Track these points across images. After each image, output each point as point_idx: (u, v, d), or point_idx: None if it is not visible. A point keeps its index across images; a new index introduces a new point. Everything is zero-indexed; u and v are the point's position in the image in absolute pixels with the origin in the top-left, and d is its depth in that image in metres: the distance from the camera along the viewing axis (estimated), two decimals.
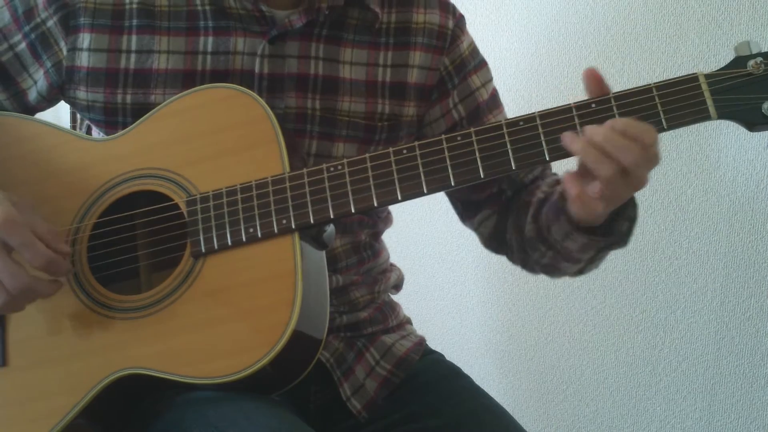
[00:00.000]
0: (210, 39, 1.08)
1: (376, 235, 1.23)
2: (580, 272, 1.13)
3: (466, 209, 1.23)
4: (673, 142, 1.73)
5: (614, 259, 1.82)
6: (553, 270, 1.15)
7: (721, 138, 1.69)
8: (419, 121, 1.18)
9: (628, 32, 1.76)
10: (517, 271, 1.94)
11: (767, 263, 1.68)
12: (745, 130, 1.57)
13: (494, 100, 1.22)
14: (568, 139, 0.91)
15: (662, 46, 1.72)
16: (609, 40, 1.78)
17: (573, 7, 1.82)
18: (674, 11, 1.70)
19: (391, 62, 1.14)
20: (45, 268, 0.94)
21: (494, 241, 1.23)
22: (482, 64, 1.22)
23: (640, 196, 1.80)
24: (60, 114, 1.45)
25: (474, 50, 1.21)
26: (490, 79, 1.23)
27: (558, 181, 1.11)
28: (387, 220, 1.26)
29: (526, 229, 1.13)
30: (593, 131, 0.90)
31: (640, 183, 0.92)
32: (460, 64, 1.18)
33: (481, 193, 1.20)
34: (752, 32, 0.91)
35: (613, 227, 1.02)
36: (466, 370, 1.21)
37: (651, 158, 0.90)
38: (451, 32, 1.17)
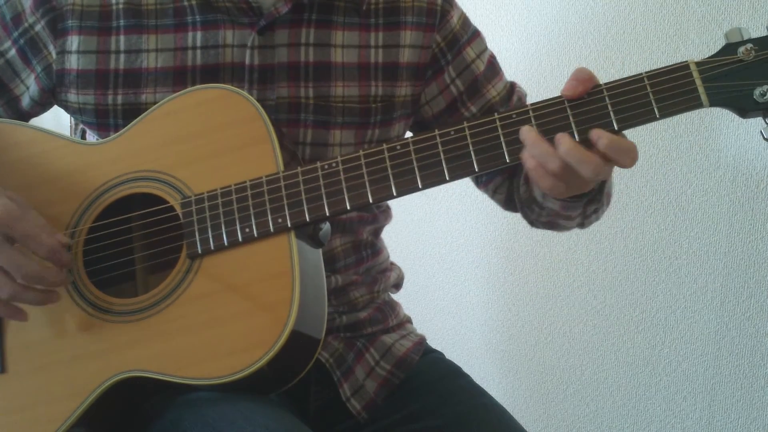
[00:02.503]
0: (198, 34, 1.07)
1: (377, 232, 1.23)
2: (581, 226, 1.13)
3: (479, 177, 1.24)
4: (673, 142, 1.73)
5: (614, 259, 1.83)
6: (554, 226, 1.16)
7: (721, 138, 1.69)
8: (414, 101, 1.17)
9: (628, 32, 1.76)
10: (517, 271, 1.96)
11: (767, 263, 1.68)
12: (744, 131, 1.57)
13: (492, 69, 1.22)
14: (524, 135, 0.91)
15: (662, 46, 1.72)
16: (609, 40, 1.78)
17: (573, 7, 1.81)
18: (674, 11, 1.70)
19: (382, 43, 1.13)
20: (49, 257, 0.95)
21: (511, 204, 1.24)
22: (475, 34, 1.21)
23: (640, 197, 1.80)
24: (60, 118, 1.45)
25: (465, 22, 1.20)
26: (485, 48, 1.22)
27: None
28: (387, 215, 1.25)
29: (521, 191, 1.14)
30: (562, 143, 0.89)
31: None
32: (452, 40, 1.17)
33: None
34: (752, 32, 0.91)
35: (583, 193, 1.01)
36: (466, 369, 1.21)
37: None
38: (440, 8, 1.16)
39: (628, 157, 0.88)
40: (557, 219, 1.11)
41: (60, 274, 0.96)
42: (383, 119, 1.14)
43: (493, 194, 1.25)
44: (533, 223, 1.19)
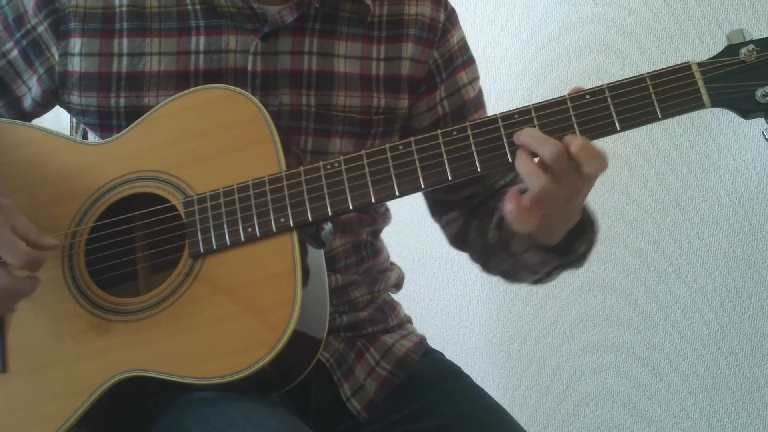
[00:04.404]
0: (202, 38, 1.07)
1: (376, 233, 1.23)
2: (538, 282, 1.13)
3: (437, 206, 1.24)
4: (673, 143, 1.73)
5: (614, 259, 1.83)
6: (511, 276, 1.15)
7: (721, 138, 1.69)
8: (409, 113, 1.17)
9: (628, 32, 1.76)
10: None
11: (767, 263, 1.68)
12: (744, 131, 1.57)
13: (479, 100, 1.22)
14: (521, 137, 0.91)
15: (662, 46, 1.72)
16: (609, 40, 1.78)
17: (573, 7, 1.82)
18: (674, 11, 1.70)
19: (384, 55, 1.13)
20: (26, 266, 0.93)
21: (459, 241, 1.23)
22: (471, 60, 1.22)
23: (640, 197, 1.80)
24: (61, 118, 1.45)
25: (464, 46, 1.21)
26: (477, 77, 1.23)
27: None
28: (386, 217, 1.26)
29: (489, 235, 1.13)
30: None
31: (575, 197, 0.92)
32: (449, 59, 1.18)
33: (455, 194, 1.20)
34: (752, 32, 0.92)
35: (572, 247, 1.02)
36: (466, 370, 1.21)
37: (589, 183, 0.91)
38: (442, 25, 1.16)
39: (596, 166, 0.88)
40: (520, 271, 1.10)
41: (33, 285, 0.95)
42: (384, 131, 1.14)
43: (445, 226, 1.24)
44: (488, 267, 1.18)
